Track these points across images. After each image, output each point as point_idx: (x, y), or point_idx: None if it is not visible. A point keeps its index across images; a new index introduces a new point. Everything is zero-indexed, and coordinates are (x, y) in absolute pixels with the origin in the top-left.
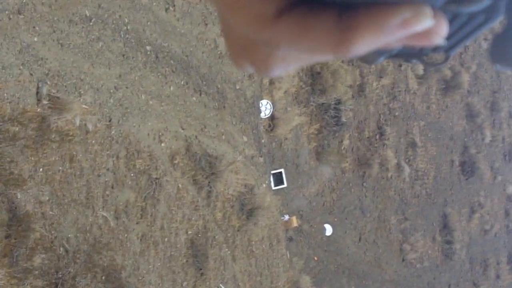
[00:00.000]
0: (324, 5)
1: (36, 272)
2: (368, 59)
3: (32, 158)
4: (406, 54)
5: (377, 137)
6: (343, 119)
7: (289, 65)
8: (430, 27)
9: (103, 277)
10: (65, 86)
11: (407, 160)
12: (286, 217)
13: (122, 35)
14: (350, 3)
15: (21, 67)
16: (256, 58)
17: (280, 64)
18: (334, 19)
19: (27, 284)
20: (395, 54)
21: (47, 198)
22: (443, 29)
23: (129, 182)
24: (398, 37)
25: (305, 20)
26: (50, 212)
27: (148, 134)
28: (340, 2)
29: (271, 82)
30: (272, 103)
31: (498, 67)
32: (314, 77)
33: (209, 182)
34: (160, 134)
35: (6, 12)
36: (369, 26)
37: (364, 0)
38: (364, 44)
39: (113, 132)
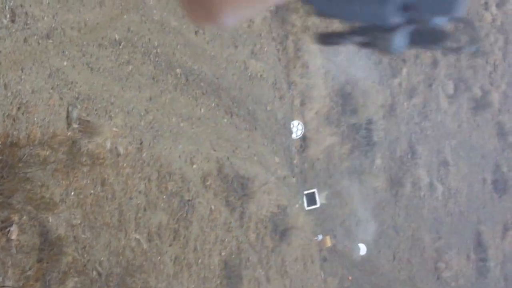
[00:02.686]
0: None
1: None
2: (387, 46)
3: (63, 182)
4: (427, 40)
5: (409, 156)
6: (375, 139)
7: (241, 12)
8: None
9: None
10: (96, 110)
11: (439, 179)
12: (320, 237)
13: (152, 58)
14: None
15: (51, 91)
16: (207, 6)
17: (231, 10)
18: None
19: None
20: (415, 41)
21: (79, 221)
22: None
23: (162, 204)
24: None
25: None
26: (82, 236)
27: (180, 156)
28: None
29: (303, 103)
30: (304, 124)
31: None
32: (344, 97)
33: (241, 203)
34: (192, 156)
35: (35, 37)
36: None
37: None
38: None
39: (144, 154)
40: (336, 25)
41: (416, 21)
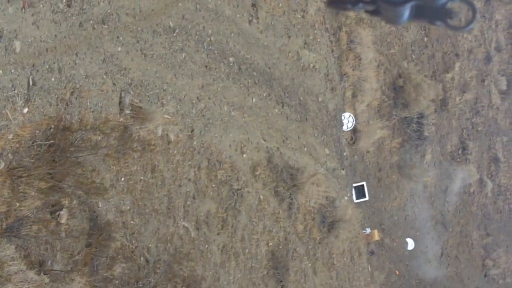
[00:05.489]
0: None
1: (116, 281)
2: (393, 17)
3: (114, 167)
4: (430, 15)
5: (460, 152)
6: (426, 133)
7: None
8: None
9: None
10: (148, 96)
11: (489, 176)
12: (368, 230)
13: (205, 46)
14: None
15: (104, 76)
16: None
17: None
18: None
19: None
20: (419, 15)
21: (128, 207)
22: None
23: (210, 193)
24: None
25: None
26: (131, 222)
27: (230, 145)
28: None
29: (354, 95)
30: (355, 116)
31: None
32: (396, 91)
33: (290, 194)
34: (242, 145)
35: (91, 22)
36: None
37: None
38: None
39: (194, 142)
40: None
41: None
